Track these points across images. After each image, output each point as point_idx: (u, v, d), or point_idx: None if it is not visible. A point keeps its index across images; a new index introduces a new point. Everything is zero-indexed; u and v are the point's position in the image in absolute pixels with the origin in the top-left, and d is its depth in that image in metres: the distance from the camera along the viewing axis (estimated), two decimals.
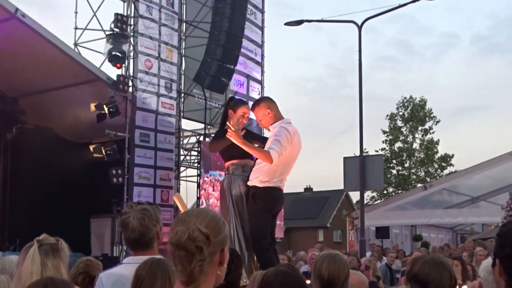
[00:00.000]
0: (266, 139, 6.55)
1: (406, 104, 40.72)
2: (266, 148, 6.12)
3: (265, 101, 6.62)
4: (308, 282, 3.32)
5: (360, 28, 17.77)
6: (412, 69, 70.38)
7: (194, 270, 2.04)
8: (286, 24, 18.86)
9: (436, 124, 40.51)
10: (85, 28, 15.52)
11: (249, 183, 6.24)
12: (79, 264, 4.28)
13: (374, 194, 38.44)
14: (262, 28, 19.48)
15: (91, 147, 14.43)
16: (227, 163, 6.60)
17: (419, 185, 34.35)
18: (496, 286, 2.31)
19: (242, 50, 17.48)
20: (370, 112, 61.28)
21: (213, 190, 15.92)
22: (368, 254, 14.77)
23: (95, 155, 14.33)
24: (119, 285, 3.33)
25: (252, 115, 6.85)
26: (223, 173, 16.10)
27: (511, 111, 71.18)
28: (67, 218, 15.02)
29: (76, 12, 15.52)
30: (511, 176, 19.32)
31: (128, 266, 3.34)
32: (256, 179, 6.19)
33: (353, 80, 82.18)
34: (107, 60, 14.32)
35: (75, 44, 15.31)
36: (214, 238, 2.07)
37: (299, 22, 18.73)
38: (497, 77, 72.11)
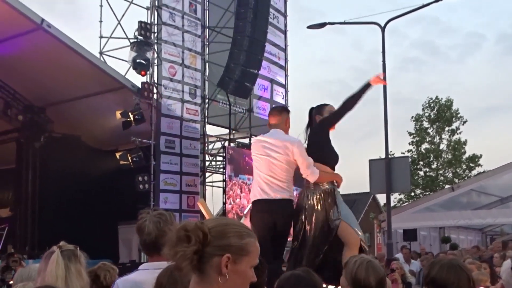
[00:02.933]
0: None
1: (432, 105, 40.31)
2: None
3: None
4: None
5: (383, 29, 17.69)
6: (437, 70, 69.73)
7: (177, 254, 2.06)
8: (309, 27, 18.83)
9: (463, 124, 40.04)
10: (110, 37, 15.67)
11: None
12: (94, 266, 4.39)
13: (402, 196, 38.11)
14: (285, 32, 19.50)
15: (118, 155, 14.56)
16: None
17: (447, 186, 33.99)
18: None
19: (266, 54, 17.51)
20: (395, 114, 60.95)
21: (241, 192, 16.31)
22: (399, 255, 14.62)
23: (121, 162, 14.46)
24: None
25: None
26: (251, 177, 16.39)
27: None
28: (95, 225, 15.20)
29: (100, 21, 15.68)
30: None
31: (145, 273, 3.37)
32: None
33: None
34: (131, 68, 14.46)
35: (100, 53, 15.46)
36: (214, 239, 2.07)
37: (321, 25, 18.70)
38: None
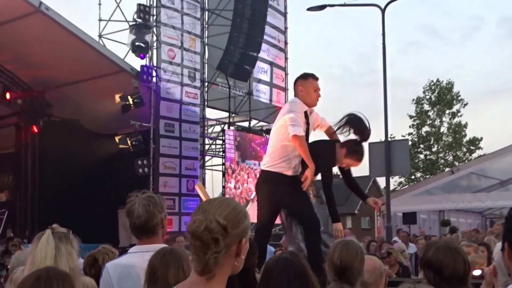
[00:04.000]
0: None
1: (433, 88, 40.25)
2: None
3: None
4: None
5: (383, 11, 17.58)
6: (438, 53, 69.59)
7: (209, 261, 2.02)
8: (309, 9, 18.71)
9: (464, 107, 40.01)
10: (109, 20, 15.65)
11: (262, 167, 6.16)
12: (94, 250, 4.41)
13: (402, 179, 38.18)
14: (284, 14, 19.43)
15: (117, 138, 14.56)
16: None
17: (447, 169, 34.02)
18: (506, 270, 2.30)
19: (265, 37, 17.47)
20: (396, 98, 60.91)
21: (248, 177, 16.69)
22: (396, 239, 14.70)
23: (120, 146, 14.47)
24: (126, 275, 3.35)
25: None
26: (257, 162, 16.66)
27: None
28: (95, 209, 15.23)
29: (99, 4, 15.67)
30: None
31: (134, 256, 3.37)
32: None
33: (378, 66, 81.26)
34: (130, 51, 14.41)
35: (100, 36, 15.44)
36: (232, 230, 2.05)
37: (321, 7, 18.56)
38: None
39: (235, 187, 16.12)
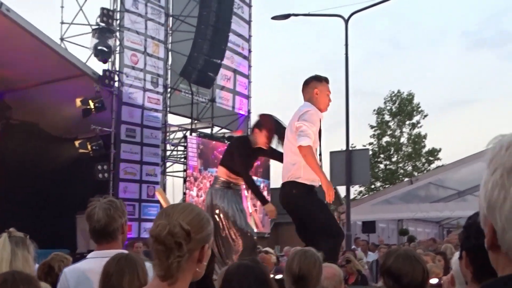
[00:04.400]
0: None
1: (394, 99, 40.71)
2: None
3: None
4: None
5: (346, 22, 17.73)
6: (400, 64, 70.54)
7: (172, 265, 2.02)
8: (273, 18, 18.79)
9: (423, 118, 40.53)
10: (71, 23, 15.46)
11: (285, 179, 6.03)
12: (47, 258, 4.36)
13: (362, 188, 38.50)
14: (249, 22, 19.48)
15: (77, 143, 14.39)
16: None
17: (406, 179, 34.42)
18: (464, 278, 2.34)
19: (229, 44, 17.49)
20: (358, 107, 61.41)
21: (210, 185, 16.38)
22: (355, 247, 14.82)
23: (80, 150, 14.30)
24: (83, 280, 3.32)
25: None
26: None
27: (498, 106, 71.45)
28: (53, 214, 14.99)
29: (62, 7, 15.50)
30: None
31: (93, 261, 3.33)
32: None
33: (340, 76, 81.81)
34: (93, 55, 14.28)
35: (61, 39, 15.25)
36: (196, 235, 2.05)
37: (286, 16, 18.68)
38: (484, 72, 72.36)
39: (197, 195, 16.05)
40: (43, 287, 3.60)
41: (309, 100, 6.07)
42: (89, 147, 14.10)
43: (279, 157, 6.51)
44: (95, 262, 3.18)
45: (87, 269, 3.33)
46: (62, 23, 15.49)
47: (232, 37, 17.80)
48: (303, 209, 5.92)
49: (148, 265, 2.90)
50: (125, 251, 3.23)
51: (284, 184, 5.97)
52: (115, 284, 2.89)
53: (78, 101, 13.85)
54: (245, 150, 6.61)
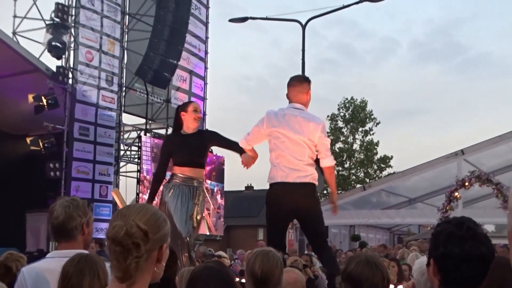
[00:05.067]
0: (218, 136, 6.69)
1: (347, 105, 41.19)
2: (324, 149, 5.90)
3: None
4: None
5: (304, 27, 17.89)
6: (352, 72, 71.34)
7: (130, 266, 1.98)
8: (231, 20, 18.84)
9: (376, 126, 41.13)
10: (24, 17, 15.11)
11: (307, 179, 5.83)
12: (0, 257, 4.23)
13: None
14: (206, 24, 19.39)
15: (28, 140, 14.08)
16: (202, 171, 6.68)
17: (358, 185, 34.78)
18: (430, 286, 2.34)
19: (186, 45, 17.39)
20: (311, 113, 61.78)
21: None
22: (307, 252, 14.84)
23: (32, 147, 13.98)
24: (41, 279, 3.23)
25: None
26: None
27: (446, 116, 73.15)
28: (2, 212, 14.66)
29: (15, 0, 15.11)
30: (447, 178, 19.74)
31: (52, 261, 3.25)
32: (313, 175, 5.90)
33: None
34: (46, 50, 13.99)
35: (14, 33, 14.90)
36: (153, 235, 2.02)
37: (243, 19, 18.74)
38: (433, 82, 74.01)
39: (137, 201, 15.77)
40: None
41: (305, 104, 6.04)
42: (41, 144, 13.79)
43: (234, 146, 6.49)
44: (55, 262, 3.09)
45: (46, 269, 3.24)
46: (15, 16, 15.14)
47: (188, 38, 17.70)
48: (320, 216, 6.00)
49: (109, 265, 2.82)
50: (86, 251, 3.14)
51: (305, 184, 5.81)
52: (75, 284, 2.81)
53: (30, 97, 13.53)
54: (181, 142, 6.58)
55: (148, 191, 6.85)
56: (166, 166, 6.84)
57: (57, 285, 2.86)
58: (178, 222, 6.32)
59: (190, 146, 6.48)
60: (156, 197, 6.84)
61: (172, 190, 6.55)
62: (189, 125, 6.61)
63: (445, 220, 2.41)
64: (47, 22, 14.28)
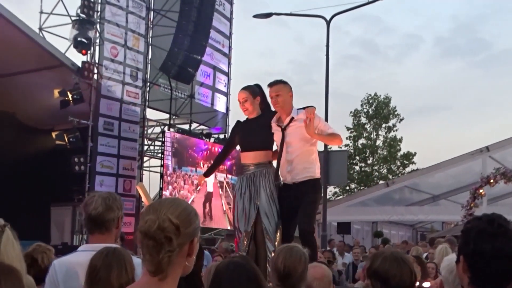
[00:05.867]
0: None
1: (370, 101, 40.92)
2: (328, 131, 6.20)
3: (287, 83, 6.46)
4: None
5: (328, 23, 17.82)
6: (375, 68, 70.89)
7: (163, 260, 2.00)
8: (255, 16, 18.82)
9: (399, 122, 40.80)
10: (51, 13, 15.23)
11: (307, 175, 6.16)
12: (28, 249, 4.27)
13: (337, 189, 38.63)
14: (230, 20, 19.41)
15: (54, 134, 14.20)
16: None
17: (381, 182, 34.59)
18: (459, 282, 2.32)
19: (210, 41, 17.40)
20: (333, 109, 61.42)
21: (184, 184, 16.61)
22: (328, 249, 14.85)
23: (57, 142, 14.10)
24: (72, 273, 3.27)
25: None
26: (194, 169, 16.69)
27: (470, 112, 72.36)
28: (27, 205, 14.80)
29: None
30: (472, 175, 19.59)
31: (83, 254, 3.27)
32: (314, 169, 6.22)
33: (317, 77, 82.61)
34: (72, 46, 14.09)
35: (40, 29, 15.03)
36: (185, 229, 2.04)
37: (267, 15, 18.71)
38: (457, 78, 73.27)
39: (171, 194, 15.92)
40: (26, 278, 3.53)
41: (289, 104, 6.33)
42: (66, 139, 13.89)
43: None
44: (86, 255, 3.12)
45: (77, 262, 3.27)
46: (41, 12, 15.27)
47: (213, 33, 17.72)
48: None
49: (137, 261, 2.84)
50: (114, 245, 3.17)
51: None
52: (102, 278, 2.84)
53: (56, 92, 13.64)
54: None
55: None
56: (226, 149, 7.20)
57: (85, 278, 2.89)
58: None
59: (248, 131, 6.51)
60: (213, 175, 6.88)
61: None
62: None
63: (475, 216, 2.39)
64: (73, 18, 14.37)
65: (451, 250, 9.91)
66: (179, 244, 2.03)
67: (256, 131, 6.39)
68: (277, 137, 6.29)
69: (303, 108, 6.28)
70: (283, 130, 6.22)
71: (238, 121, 6.70)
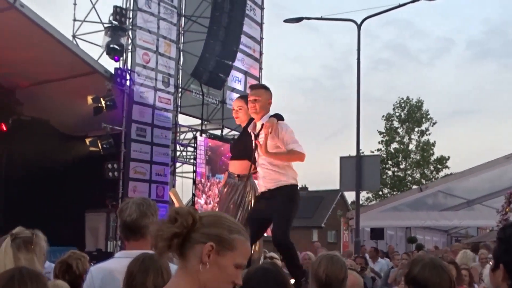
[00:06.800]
0: None
1: (403, 105, 40.62)
2: (288, 147, 5.93)
3: (269, 89, 6.22)
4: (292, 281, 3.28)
5: (359, 27, 17.73)
6: (407, 72, 70.58)
7: (158, 232, 2.07)
8: (286, 21, 18.80)
9: (432, 126, 40.45)
10: (84, 20, 15.42)
11: (282, 182, 5.95)
12: (64, 255, 4.32)
13: (369, 195, 38.38)
14: (261, 25, 19.42)
15: (87, 141, 14.31)
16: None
17: (414, 186, 34.28)
18: None
19: (241, 46, 17.44)
20: (364, 113, 61.34)
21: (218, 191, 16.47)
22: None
23: (91, 148, 14.21)
24: (109, 279, 3.27)
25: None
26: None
27: (503, 115, 71.45)
28: (62, 212, 14.96)
29: (75, 4, 15.45)
30: (507, 179, 19.29)
31: (120, 260, 3.28)
32: (290, 177, 5.99)
33: (348, 81, 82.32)
34: (105, 53, 14.23)
35: (73, 36, 15.21)
36: (203, 226, 2.07)
37: (298, 20, 18.68)
38: (490, 81, 72.50)
39: (205, 203, 15.93)
40: (60, 285, 3.56)
41: (266, 111, 6.09)
42: (99, 145, 14.00)
43: None
44: (122, 261, 3.13)
45: (114, 268, 3.28)
46: (75, 20, 15.46)
47: (243, 38, 17.74)
48: None
49: (173, 267, 2.84)
50: (151, 251, 3.17)
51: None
52: (139, 284, 2.84)
53: (89, 99, 13.76)
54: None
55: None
56: None
57: (122, 284, 2.90)
58: None
59: (237, 139, 6.62)
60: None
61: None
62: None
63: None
64: (106, 25, 14.50)
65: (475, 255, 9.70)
66: (193, 238, 2.08)
67: (243, 141, 6.39)
68: (252, 144, 6.14)
69: (274, 115, 6.06)
70: (256, 137, 6.05)
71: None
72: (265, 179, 6.02)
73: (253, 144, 6.08)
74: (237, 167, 6.47)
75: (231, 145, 6.65)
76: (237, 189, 6.38)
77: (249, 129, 6.18)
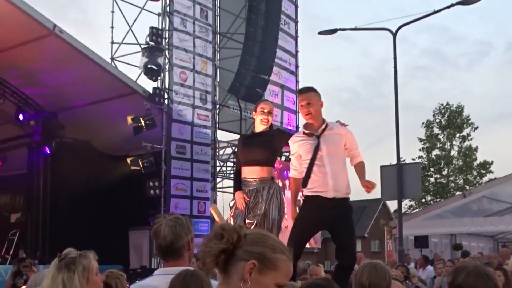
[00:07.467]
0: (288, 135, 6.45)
1: (443, 111, 40.11)
2: (356, 152, 5.90)
3: (317, 90, 5.95)
4: None
5: (394, 35, 17.62)
6: (446, 78, 69.76)
7: (206, 248, 2.07)
8: (320, 33, 18.77)
9: (474, 131, 39.81)
10: (121, 43, 15.70)
11: (348, 191, 5.77)
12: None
13: (412, 203, 37.92)
14: (295, 38, 19.48)
15: (129, 160, 14.55)
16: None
17: (457, 193, 33.77)
18: None
19: (276, 60, 17.53)
20: (404, 121, 60.78)
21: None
22: (412, 264, 14.64)
23: (132, 167, 14.45)
24: None
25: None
26: None
27: None
28: (106, 230, 15.21)
29: (112, 27, 15.72)
30: None
31: (159, 278, 3.34)
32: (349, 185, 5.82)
33: (386, 90, 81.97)
34: (143, 73, 14.47)
35: (112, 58, 15.49)
36: (247, 244, 2.08)
37: (332, 31, 18.64)
38: None
39: None
40: None
41: (320, 114, 5.91)
42: (140, 164, 14.21)
43: None
44: (161, 279, 3.19)
45: (153, 286, 3.35)
46: (112, 43, 15.73)
47: (279, 52, 17.84)
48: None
49: (214, 283, 2.90)
50: (191, 268, 3.23)
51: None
52: None
53: (129, 119, 14.00)
54: None
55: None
56: (239, 165, 6.67)
57: None
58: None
59: (254, 145, 6.37)
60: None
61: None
62: (257, 125, 6.48)
63: None
64: (143, 46, 14.76)
65: None
66: (236, 255, 2.09)
67: (262, 147, 6.31)
68: (307, 146, 5.75)
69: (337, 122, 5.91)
70: (318, 138, 5.72)
71: (241, 135, 6.69)
72: (336, 184, 5.67)
73: (312, 145, 5.72)
74: (260, 172, 6.34)
75: (248, 151, 6.40)
76: (258, 190, 6.31)
77: (299, 135, 5.95)
